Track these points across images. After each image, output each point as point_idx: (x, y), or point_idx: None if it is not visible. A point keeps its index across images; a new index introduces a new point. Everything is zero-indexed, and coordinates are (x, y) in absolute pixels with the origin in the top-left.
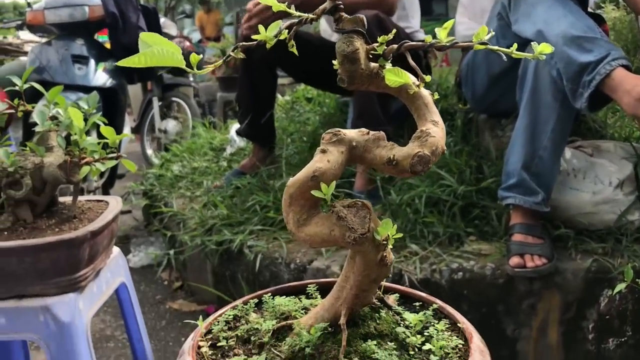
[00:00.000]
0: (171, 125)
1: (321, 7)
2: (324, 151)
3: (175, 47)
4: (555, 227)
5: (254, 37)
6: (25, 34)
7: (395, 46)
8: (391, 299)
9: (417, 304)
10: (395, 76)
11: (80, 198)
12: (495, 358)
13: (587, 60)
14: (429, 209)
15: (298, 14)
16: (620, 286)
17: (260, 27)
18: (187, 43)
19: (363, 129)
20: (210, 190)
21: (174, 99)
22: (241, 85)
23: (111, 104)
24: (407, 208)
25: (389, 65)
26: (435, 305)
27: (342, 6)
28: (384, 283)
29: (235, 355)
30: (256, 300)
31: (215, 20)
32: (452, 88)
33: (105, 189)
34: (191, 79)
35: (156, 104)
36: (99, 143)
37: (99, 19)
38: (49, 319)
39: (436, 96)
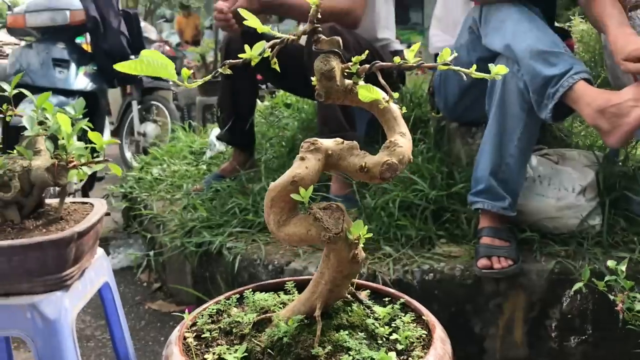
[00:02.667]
0: (150, 128)
1: (301, 29)
2: (302, 159)
3: (169, 61)
4: (521, 231)
5: (240, 55)
6: (4, 36)
7: (367, 66)
8: (363, 294)
9: (387, 299)
10: (367, 92)
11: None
12: (464, 355)
13: (551, 74)
14: (402, 212)
15: (280, 35)
16: (578, 285)
17: (246, 47)
18: (167, 47)
19: (338, 139)
20: (190, 193)
21: (153, 102)
22: (222, 91)
23: (92, 108)
24: (382, 212)
25: (362, 83)
26: (402, 300)
27: (320, 29)
28: (357, 280)
29: (218, 345)
30: (238, 296)
31: (194, 24)
32: (426, 97)
33: (85, 192)
34: (170, 82)
35: (135, 107)
36: (86, 147)
37: (80, 23)
38: (36, 316)
39: (404, 110)
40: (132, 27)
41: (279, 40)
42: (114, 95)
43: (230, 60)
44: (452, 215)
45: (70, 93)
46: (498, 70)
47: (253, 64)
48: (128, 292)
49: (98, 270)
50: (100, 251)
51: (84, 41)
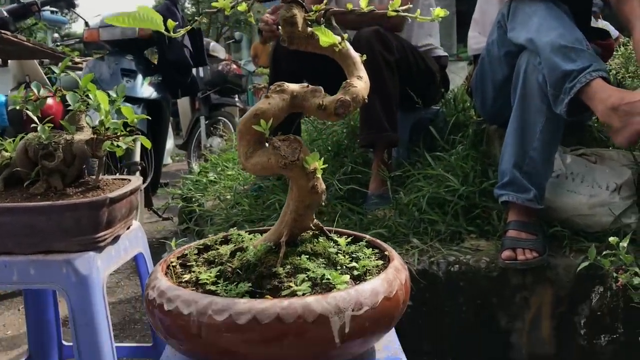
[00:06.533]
0: (216, 142)
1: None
2: (267, 97)
3: (158, 15)
4: (552, 227)
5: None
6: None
7: (323, 12)
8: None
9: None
10: (325, 36)
11: (107, 177)
12: (489, 349)
13: (570, 69)
14: (433, 209)
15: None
16: (584, 264)
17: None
18: (234, 66)
19: (304, 84)
20: (239, 192)
21: (220, 117)
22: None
23: (156, 115)
24: (413, 207)
25: (321, 28)
26: (367, 238)
27: None
28: (333, 228)
29: (198, 267)
30: (225, 234)
31: (270, 51)
32: (471, 103)
33: (148, 196)
34: (236, 99)
35: (203, 122)
36: (125, 126)
37: (147, 37)
38: (70, 272)
39: (364, 58)
40: (196, 42)
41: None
42: (185, 111)
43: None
44: (483, 211)
45: (136, 100)
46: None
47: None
48: None
49: (133, 241)
50: (136, 224)
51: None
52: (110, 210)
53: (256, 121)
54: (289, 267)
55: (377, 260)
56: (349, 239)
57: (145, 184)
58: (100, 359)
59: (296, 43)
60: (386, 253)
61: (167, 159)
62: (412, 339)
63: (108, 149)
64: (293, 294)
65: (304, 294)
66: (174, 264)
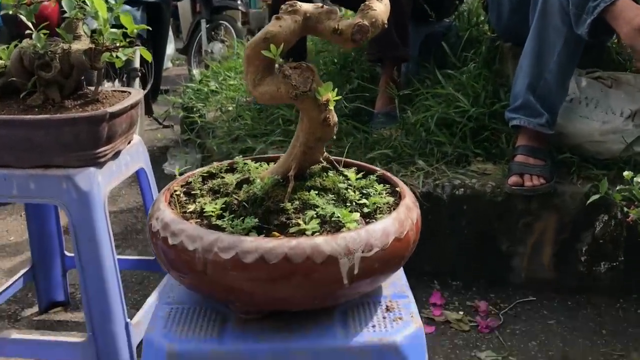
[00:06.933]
0: (217, 47)
1: None
2: (278, 18)
3: None
4: (561, 153)
5: None
6: None
7: None
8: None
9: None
10: None
11: (106, 88)
12: (489, 272)
13: None
14: (441, 130)
15: None
16: (594, 197)
17: None
18: None
19: (318, 3)
20: (241, 104)
21: (221, 21)
22: (274, 4)
23: (156, 18)
24: (421, 127)
25: None
26: (379, 172)
27: None
28: (343, 159)
29: (202, 197)
30: (230, 162)
31: None
32: (485, 18)
33: (148, 103)
34: (239, 1)
35: (204, 26)
36: (124, 35)
37: None
38: (70, 187)
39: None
40: None
41: None
42: (185, 14)
43: None
44: (492, 134)
45: (135, 2)
46: None
47: None
48: None
49: (134, 156)
50: (137, 138)
51: None
52: (111, 125)
53: (266, 46)
54: (297, 202)
55: (388, 196)
56: (360, 174)
57: (146, 91)
58: (102, 273)
59: None
60: (397, 189)
61: (167, 63)
62: (413, 259)
63: (107, 60)
64: (301, 233)
65: (313, 233)
66: (177, 192)
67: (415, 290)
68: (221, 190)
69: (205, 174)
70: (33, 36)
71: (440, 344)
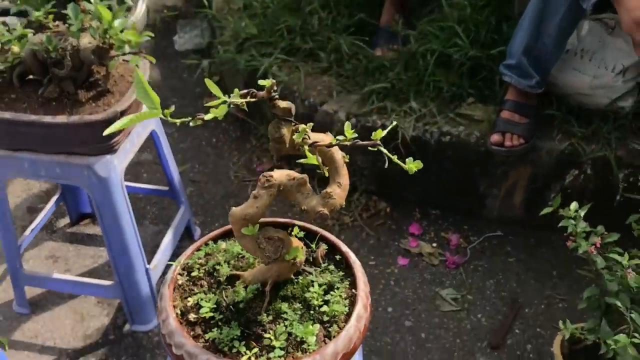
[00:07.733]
0: None
1: (260, 93)
2: (255, 197)
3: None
4: (549, 102)
5: None
6: None
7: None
8: (321, 249)
9: (338, 256)
10: (310, 160)
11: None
12: (465, 208)
13: None
14: (439, 66)
15: None
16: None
17: None
18: None
19: (290, 173)
20: None
21: None
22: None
23: None
24: (421, 59)
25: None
26: (338, 258)
27: (277, 97)
28: (322, 230)
29: (200, 286)
30: (224, 230)
31: None
32: None
33: None
34: None
35: None
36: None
37: None
38: (91, 175)
39: (346, 159)
40: None
41: None
42: None
43: None
44: (488, 74)
45: None
46: None
47: None
48: (190, 81)
49: (145, 123)
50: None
51: None
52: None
53: (245, 223)
54: (271, 314)
55: (345, 297)
56: (323, 286)
57: None
58: (124, 237)
59: (284, 154)
60: (354, 291)
61: None
62: (399, 188)
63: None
64: (271, 348)
65: (281, 348)
66: (180, 282)
67: (399, 217)
68: (214, 274)
69: (201, 255)
70: (43, 38)
71: (411, 278)
